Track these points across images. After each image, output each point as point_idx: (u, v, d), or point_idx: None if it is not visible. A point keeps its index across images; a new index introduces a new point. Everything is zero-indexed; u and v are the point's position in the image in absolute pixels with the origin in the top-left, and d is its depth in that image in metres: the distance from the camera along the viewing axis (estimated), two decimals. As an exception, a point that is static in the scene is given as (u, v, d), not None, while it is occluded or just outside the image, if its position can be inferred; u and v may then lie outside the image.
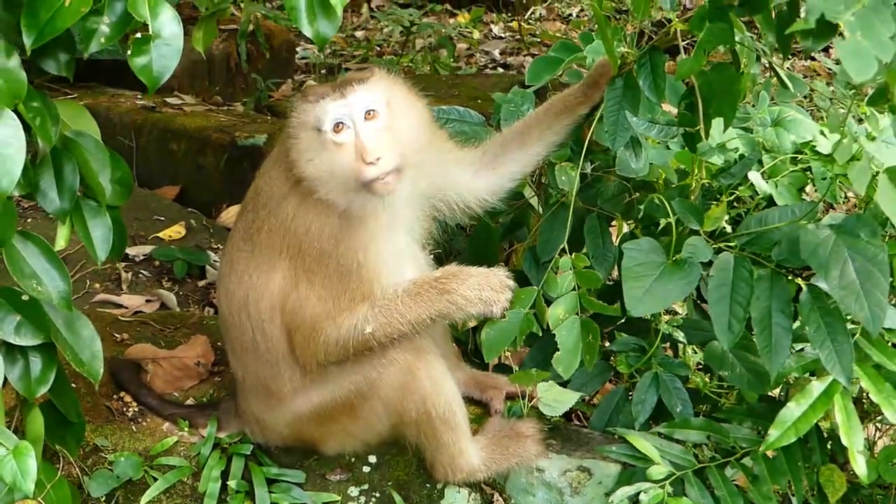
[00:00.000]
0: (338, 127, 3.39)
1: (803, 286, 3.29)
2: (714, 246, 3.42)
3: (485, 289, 3.47)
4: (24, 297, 2.99)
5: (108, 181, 3.00)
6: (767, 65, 3.91)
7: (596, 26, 3.60)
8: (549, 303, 3.60)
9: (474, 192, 3.86)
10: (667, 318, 3.99)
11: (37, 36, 2.65)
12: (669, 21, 3.61)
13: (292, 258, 3.50)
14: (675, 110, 3.69)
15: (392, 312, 3.45)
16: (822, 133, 3.58)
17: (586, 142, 3.69)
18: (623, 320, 3.92)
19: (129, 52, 2.70)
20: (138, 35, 2.69)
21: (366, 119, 3.38)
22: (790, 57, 8.69)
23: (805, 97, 6.46)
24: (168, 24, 2.69)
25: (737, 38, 3.49)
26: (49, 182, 2.94)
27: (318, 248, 3.46)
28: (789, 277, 3.39)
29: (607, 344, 3.98)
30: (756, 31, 3.78)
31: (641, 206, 3.79)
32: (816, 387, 3.29)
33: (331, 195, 3.42)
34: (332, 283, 3.47)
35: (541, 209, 4.05)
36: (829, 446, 3.67)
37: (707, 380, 4.06)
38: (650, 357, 3.75)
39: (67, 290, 2.98)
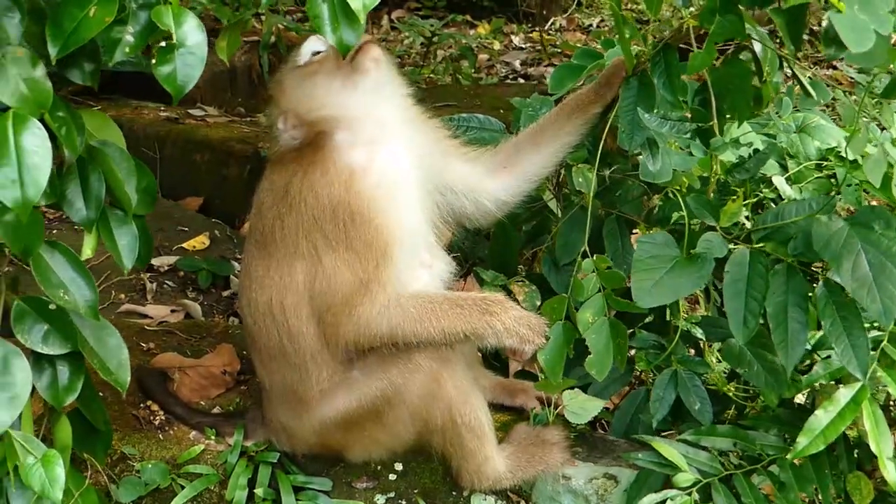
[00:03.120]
0: (315, 54, 3.58)
1: (819, 280, 3.28)
2: (731, 242, 3.40)
3: (524, 326, 3.50)
4: (52, 307, 3.00)
5: (133, 190, 3.02)
6: (790, 73, 3.91)
7: (617, 35, 3.61)
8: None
9: (489, 193, 3.90)
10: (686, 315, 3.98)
11: (61, 46, 2.67)
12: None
13: (308, 234, 3.53)
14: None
15: (429, 312, 3.48)
16: (846, 139, 3.58)
17: (601, 143, 3.68)
18: (646, 319, 3.93)
19: (153, 61, 2.70)
20: (163, 44, 2.69)
21: None
22: (812, 66, 8.70)
23: (827, 106, 6.45)
24: (192, 33, 2.70)
25: (758, 47, 3.50)
26: (75, 191, 2.96)
27: (331, 207, 3.49)
28: (806, 272, 3.37)
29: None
30: (779, 39, 3.78)
31: (660, 209, 3.79)
32: (844, 394, 3.27)
33: (329, 113, 3.55)
34: (354, 242, 3.49)
35: (560, 213, 4.04)
36: (855, 453, 3.66)
37: (727, 382, 4.05)
38: (669, 354, 3.74)
39: (94, 299, 3.00)
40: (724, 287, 3.32)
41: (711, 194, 3.63)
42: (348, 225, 3.47)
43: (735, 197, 3.48)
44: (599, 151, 3.69)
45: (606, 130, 3.69)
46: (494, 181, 3.91)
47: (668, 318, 3.84)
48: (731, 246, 3.41)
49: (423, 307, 3.49)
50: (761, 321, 3.38)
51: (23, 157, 2.68)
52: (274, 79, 3.76)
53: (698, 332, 3.83)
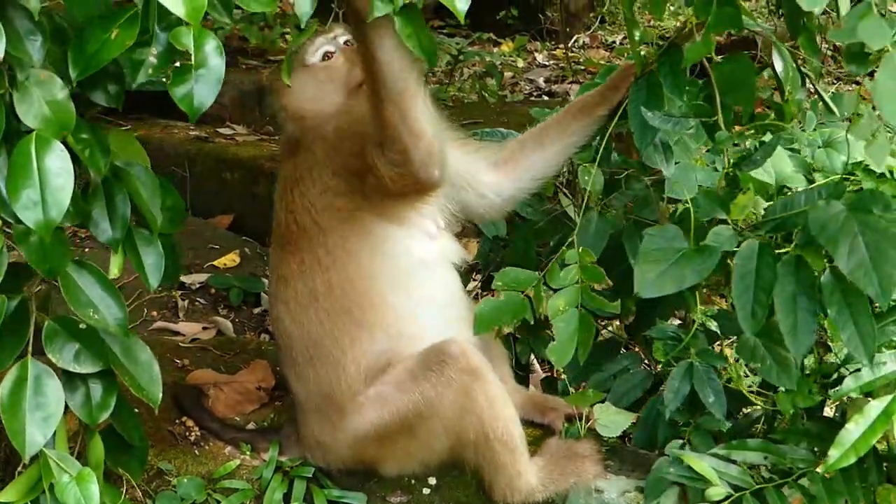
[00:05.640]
0: (326, 56, 3.70)
1: (827, 268, 3.28)
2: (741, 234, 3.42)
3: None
4: (82, 326, 3.04)
5: (158, 209, 3.06)
6: (813, 89, 3.94)
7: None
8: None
9: (490, 185, 3.98)
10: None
11: (83, 68, 2.73)
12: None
13: (317, 218, 3.66)
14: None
15: None
16: (865, 149, 3.60)
17: (604, 140, 3.77)
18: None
19: (169, 82, 2.74)
20: (177, 64, 2.74)
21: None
22: (835, 82, 8.71)
23: (850, 121, 6.46)
24: (211, 55, 2.72)
25: (779, 67, 3.54)
26: (101, 212, 3.01)
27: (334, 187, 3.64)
28: (816, 260, 3.37)
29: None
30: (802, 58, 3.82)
31: (680, 213, 3.81)
32: (875, 406, 3.28)
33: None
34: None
35: (577, 217, 4.06)
36: (884, 466, 3.67)
37: (748, 388, 4.05)
38: (686, 346, 3.74)
39: (123, 318, 3.04)
40: (733, 281, 3.33)
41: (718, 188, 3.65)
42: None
43: (746, 189, 3.49)
44: (601, 151, 3.78)
45: (612, 128, 3.78)
46: (496, 174, 3.98)
47: (668, 313, 3.84)
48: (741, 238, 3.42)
49: None
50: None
51: (46, 179, 2.74)
52: (276, 70, 3.75)
53: (713, 326, 3.81)
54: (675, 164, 3.68)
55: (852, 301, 3.21)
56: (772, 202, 3.51)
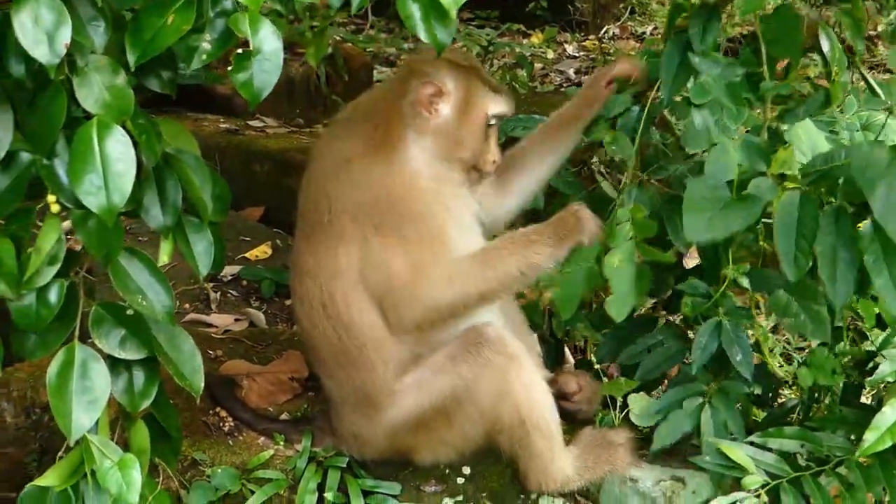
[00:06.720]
0: (494, 120, 3.71)
1: (869, 219, 3.25)
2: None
3: (569, 224, 3.64)
4: (129, 312, 3.05)
5: (209, 197, 3.06)
6: (858, 73, 3.91)
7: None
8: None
9: (491, 209, 3.99)
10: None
11: (140, 54, 2.71)
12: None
13: (357, 218, 3.60)
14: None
15: (483, 265, 3.59)
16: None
17: (643, 115, 3.74)
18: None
19: (229, 69, 2.73)
20: (239, 51, 2.73)
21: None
22: (869, 70, 8.65)
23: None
24: (268, 40, 2.72)
25: (826, 48, 3.52)
26: (152, 198, 3.00)
27: (387, 200, 3.59)
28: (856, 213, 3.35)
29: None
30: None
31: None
32: (911, 390, 3.27)
33: (437, 160, 3.67)
34: (409, 231, 3.58)
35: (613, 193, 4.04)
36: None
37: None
38: (715, 304, 3.69)
39: (171, 305, 3.04)
40: (775, 228, 3.29)
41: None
42: (406, 219, 3.58)
43: (787, 145, 3.47)
44: (641, 126, 3.76)
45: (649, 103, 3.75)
46: (494, 199, 4.02)
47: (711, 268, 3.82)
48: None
49: (477, 263, 3.58)
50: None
51: (108, 164, 2.73)
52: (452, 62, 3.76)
53: (745, 282, 3.75)
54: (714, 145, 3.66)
55: (889, 248, 3.18)
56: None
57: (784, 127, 3.69)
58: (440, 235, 3.58)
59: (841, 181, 3.30)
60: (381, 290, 3.60)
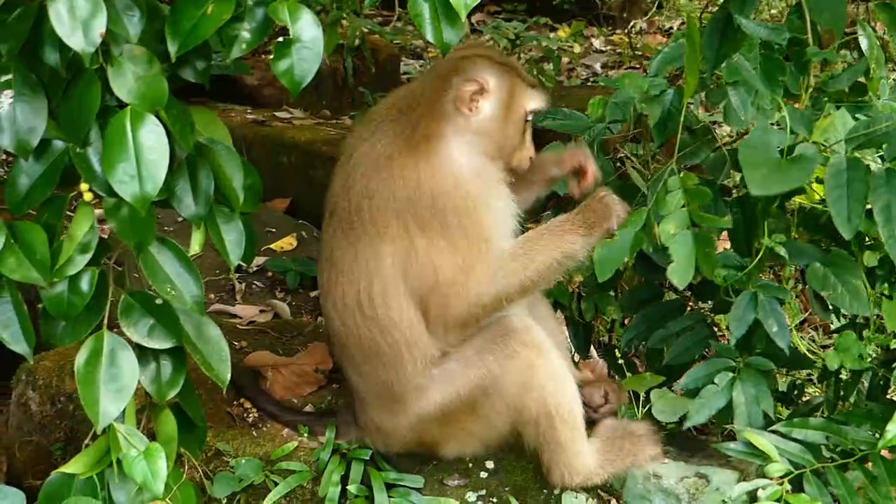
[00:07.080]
0: (531, 116, 3.73)
1: None
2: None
3: (591, 217, 3.63)
4: (158, 301, 3.06)
5: (240, 187, 3.07)
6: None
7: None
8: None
9: None
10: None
11: (181, 43, 2.73)
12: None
13: (400, 216, 3.57)
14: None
15: (524, 258, 3.59)
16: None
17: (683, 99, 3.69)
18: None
19: (271, 57, 2.75)
20: (280, 39, 2.74)
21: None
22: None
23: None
24: (308, 28, 2.74)
25: (864, 45, 3.51)
26: (184, 188, 3.00)
27: (431, 197, 3.55)
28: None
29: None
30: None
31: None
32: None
33: (477, 156, 3.65)
34: (454, 229, 3.56)
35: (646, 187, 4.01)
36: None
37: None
38: (749, 276, 3.67)
39: (200, 295, 3.06)
40: (826, 192, 3.28)
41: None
42: (450, 216, 3.55)
43: (829, 113, 3.46)
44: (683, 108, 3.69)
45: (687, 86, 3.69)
46: None
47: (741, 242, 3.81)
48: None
49: (517, 256, 3.60)
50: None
51: (141, 153, 2.75)
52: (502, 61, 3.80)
53: (782, 251, 3.72)
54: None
55: None
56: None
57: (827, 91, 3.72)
58: (484, 232, 3.57)
59: (887, 146, 3.31)
60: (427, 289, 3.60)
